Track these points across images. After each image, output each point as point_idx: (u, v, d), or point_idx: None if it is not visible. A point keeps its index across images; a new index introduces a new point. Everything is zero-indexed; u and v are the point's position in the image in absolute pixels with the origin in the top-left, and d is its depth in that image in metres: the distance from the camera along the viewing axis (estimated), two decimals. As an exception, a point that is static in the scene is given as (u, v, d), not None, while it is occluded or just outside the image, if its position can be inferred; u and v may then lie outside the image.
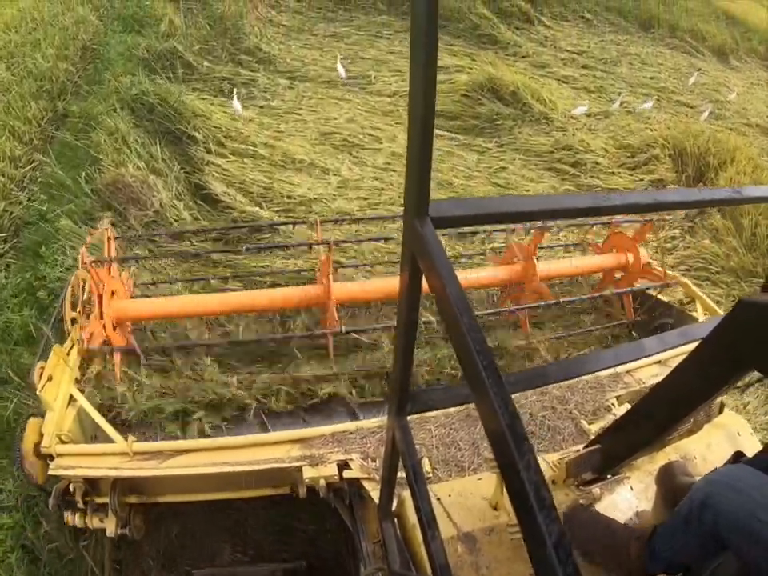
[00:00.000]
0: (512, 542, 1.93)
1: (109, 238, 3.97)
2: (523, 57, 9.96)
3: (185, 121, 6.33)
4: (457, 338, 0.97)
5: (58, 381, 3.09)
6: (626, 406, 2.99)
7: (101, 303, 3.51)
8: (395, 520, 2.09)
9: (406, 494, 2.01)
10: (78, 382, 3.31)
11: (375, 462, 2.65)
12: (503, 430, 0.81)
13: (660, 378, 2.54)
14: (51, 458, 2.78)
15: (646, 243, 4.78)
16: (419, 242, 1.06)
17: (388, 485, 1.90)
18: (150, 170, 5.83)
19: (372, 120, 7.15)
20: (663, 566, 1.74)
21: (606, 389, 3.14)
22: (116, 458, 2.79)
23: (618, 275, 4.68)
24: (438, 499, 2.02)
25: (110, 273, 3.78)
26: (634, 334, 4.52)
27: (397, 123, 7.24)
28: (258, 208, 5.49)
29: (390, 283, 4.05)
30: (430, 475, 2.61)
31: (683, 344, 2.21)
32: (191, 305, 3.92)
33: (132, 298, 4.12)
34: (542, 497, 0.74)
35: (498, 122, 7.61)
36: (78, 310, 3.51)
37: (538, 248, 4.36)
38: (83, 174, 5.81)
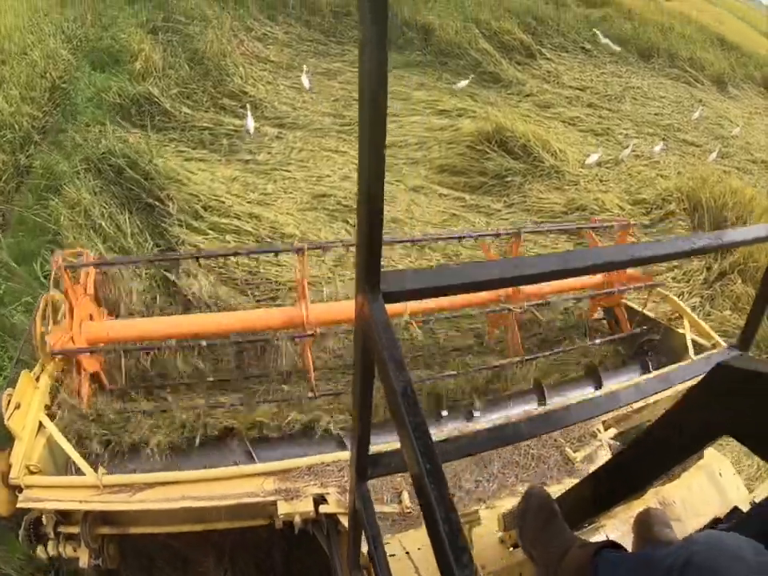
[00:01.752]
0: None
1: (62, 269, 3.52)
2: (527, 96, 9.46)
3: (157, 188, 5.56)
4: (399, 426, 0.96)
5: (26, 408, 2.97)
6: (612, 431, 3.02)
7: (72, 315, 3.41)
8: (363, 572, 2.05)
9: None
10: (48, 408, 3.17)
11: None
12: (443, 541, 0.80)
13: (648, 402, 2.89)
14: (20, 489, 2.66)
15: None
16: (367, 321, 1.06)
17: (354, 544, 1.85)
18: (117, 248, 5.06)
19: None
20: None
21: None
22: (86, 491, 2.66)
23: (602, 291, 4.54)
24: (407, 553, 1.97)
25: (85, 292, 3.66)
26: (620, 349, 4.44)
27: (396, 180, 6.53)
28: (243, 297, 4.77)
29: None
30: (410, 510, 2.50)
31: (661, 390, 2.06)
32: (164, 326, 3.78)
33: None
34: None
35: (507, 179, 6.97)
36: (48, 331, 3.27)
37: None
38: (39, 259, 5.04)
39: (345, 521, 2.47)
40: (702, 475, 2.60)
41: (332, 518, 2.60)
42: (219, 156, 6.46)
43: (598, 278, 4.53)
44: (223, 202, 5.52)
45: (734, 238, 1.44)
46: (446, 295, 1.23)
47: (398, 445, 2.58)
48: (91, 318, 3.70)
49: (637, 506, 2.07)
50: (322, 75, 8.64)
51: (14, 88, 8.18)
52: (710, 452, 2.81)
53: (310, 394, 3.67)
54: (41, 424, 3.02)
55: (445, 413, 3.73)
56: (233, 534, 3.38)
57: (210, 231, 5.26)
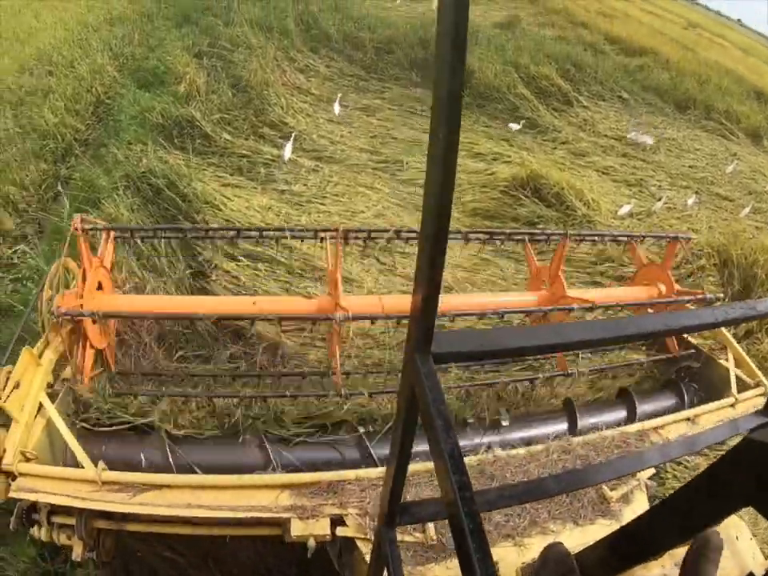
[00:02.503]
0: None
1: (79, 232, 3.49)
2: (563, 143, 9.43)
3: (194, 210, 5.62)
4: (444, 487, 0.97)
5: (26, 388, 2.83)
6: (650, 471, 2.91)
7: (84, 281, 3.25)
8: None
9: None
10: (50, 386, 3.06)
11: (374, 521, 2.40)
12: None
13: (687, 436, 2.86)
14: (13, 476, 2.56)
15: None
16: (418, 377, 1.07)
17: None
18: (150, 267, 5.10)
19: (402, 216, 6.46)
20: None
21: (633, 448, 3.02)
22: (84, 486, 2.55)
23: (650, 310, 4.40)
24: None
25: (101, 263, 3.52)
26: (655, 372, 4.37)
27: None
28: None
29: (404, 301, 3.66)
30: (434, 542, 2.40)
31: (685, 454, 2.13)
32: (182, 305, 3.62)
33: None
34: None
35: (540, 226, 6.93)
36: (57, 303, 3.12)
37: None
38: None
39: (363, 546, 2.39)
40: (718, 538, 2.55)
41: (349, 540, 2.49)
42: (255, 184, 6.52)
43: (651, 293, 4.42)
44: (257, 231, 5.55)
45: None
46: (495, 358, 1.21)
47: (426, 496, 2.59)
48: (101, 286, 3.53)
49: (653, 567, 2.06)
50: (361, 111, 8.74)
51: (60, 99, 8.41)
52: None
53: (333, 392, 3.47)
54: (41, 405, 2.89)
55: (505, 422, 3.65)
56: (241, 553, 3.39)
57: (243, 258, 5.29)
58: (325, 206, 6.38)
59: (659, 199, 8.27)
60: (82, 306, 3.24)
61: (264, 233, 4.03)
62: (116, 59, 10.16)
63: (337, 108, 8.11)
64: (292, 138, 6.95)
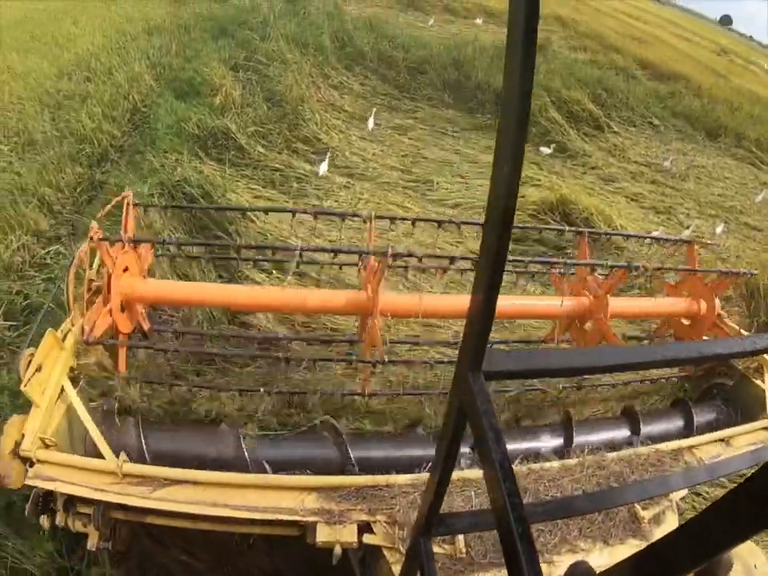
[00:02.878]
0: None
1: (128, 204, 3.59)
2: (592, 168, 9.42)
3: (227, 221, 5.68)
4: (494, 496, 1.01)
5: (48, 372, 2.74)
6: (682, 492, 2.88)
7: (109, 286, 3.14)
8: None
9: None
10: (72, 370, 2.96)
11: (403, 530, 2.34)
12: None
13: (722, 458, 2.93)
14: (31, 463, 2.49)
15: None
16: (469, 395, 1.09)
17: None
18: (181, 274, 5.16)
19: (432, 237, 6.46)
20: None
21: (667, 467, 2.98)
22: (103, 477, 2.48)
23: (685, 321, 4.41)
24: None
25: (123, 247, 3.36)
26: (686, 386, 4.29)
27: (457, 242, 6.54)
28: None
29: (445, 301, 3.86)
30: (463, 555, 2.33)
31: (711, 479, 2.03)
32: (214, 294, 3.57)
33: (150, 270, 3.80)
34: None
35: (567, 251, 6.90)
36: (83, 288, 3.17)
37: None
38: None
39: (389, 555, 2.33)
40: (737, 568, 2.39)
41: (374, 548, 2.41)
42: (288, 198, 6.58)
43: (684, 308, 4.34)
44: (288, 244, 5.59)
45: None
46: (543, 377, 1.20)
47: (462, 508, 2.56)
48: (125, 270, 3.40)
49: None
50: (393, 129, 8.82)
51: (98, 105, 8.58)
52: (745, 545, 2.71)
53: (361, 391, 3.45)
54: (62, 389, 2.81)
55: None
56: (258, 559, 3.37)
57: (274, 271, 5.33)
58: (355, 222, 6.41)
59: (687, 227, 8.21)
60: (112, 319, 3.23)
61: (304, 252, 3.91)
62: (153, 68, 10.36)
63: (371, 123, 8.25)
64: (328, 155, 7.06)
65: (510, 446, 3.34)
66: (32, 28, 13.45)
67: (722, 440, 3.28)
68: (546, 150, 9.03)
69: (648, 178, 9.85)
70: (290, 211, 4.33)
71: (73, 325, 3.11)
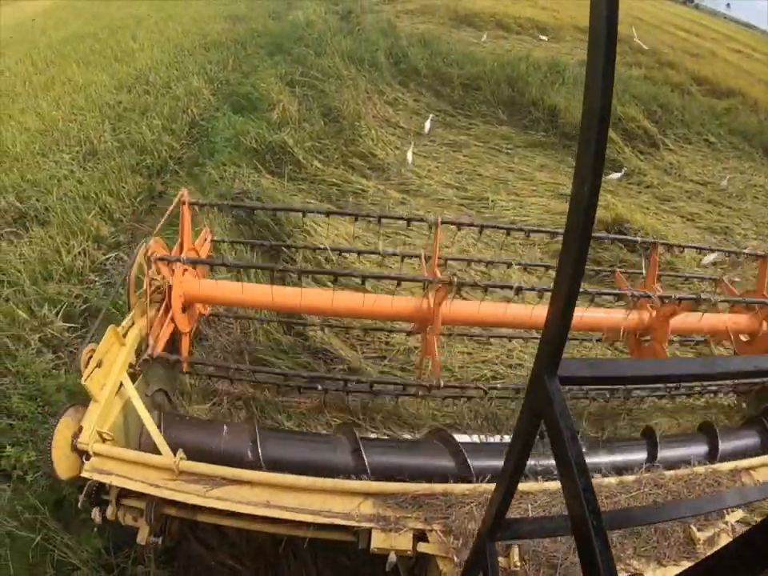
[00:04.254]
0: None
1: (184, 203, 3.67)
2: (647, 187, 9.24)
3: (285, 234, 5.76)
4: (571, 495, 1.03)
5: (108, 367, 2.80)
6: (739, 514, 2.82)
7: (170, 295, 3.25)
8: None
9: None
10: (131, 366, 3.04)
11: (458, 540, 2.32)
12: None
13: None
14: (87, 456, 2.53)
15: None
16: (545, 398, 1.12)
17: None
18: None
19: (485, 254, 6.44)
20: None
21: (723, 488, 2.90)
22: (159, 473, 2.51)
23: (743, 337, 4.39)
24: None
25: (181, 250, 3.54)
26: (743, 405, 4.39)
27: (521, 251, 6.50)
28: (353, 352, 4.86)
29: (504, 310, 3.77)
30: (517, 568, 2.28)
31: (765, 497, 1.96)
32: (271, 295, 3.53)
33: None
34: None
35: (622, 272, 6.79)
36: (144, 289, 3.24)
37: None
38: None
39: (443, 566, 2.30)
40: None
41: (427, 557, 2.39)
42: (344, 213, 6.64)
43: (745, 325, 4.31)
44: (345, 258, 5.63)
45: None
46: (619, 384, 1.29)
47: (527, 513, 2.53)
48: (185, 271, 3.52)
49: None
50: (447, 146, 8.81)
51: (157, 118, 8.84)
52: None
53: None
54: (121, 385, 2.86)
55: None
56: (301, 571, 3.35)
57: (330, 284, 5.36)
58: (410, 238, 6.42)
59: (744, 248, 8.00)
60: (173, 320, 3.32)
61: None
62: (211, 83, 10.61)
63: (427, 125, 8.58)
64: (412, 145, 7.51)
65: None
66: (92, 42, 13.95)
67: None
68: (615, 176, 8.89)
69: (704, 198, 9.60)
70: (353, 215, 4.49)
71: (133, 322, 3.18)
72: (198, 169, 7.55)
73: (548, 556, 2.35)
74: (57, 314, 5.32)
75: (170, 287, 3.28)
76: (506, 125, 9.66)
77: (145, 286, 3.25)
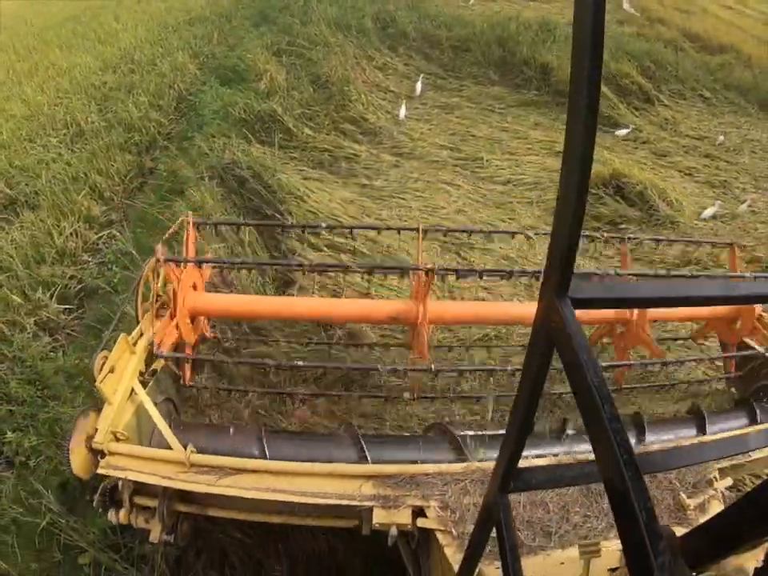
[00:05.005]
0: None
1: (188, 223, 3.80)
2: (644, 143, 9.13)
3: (278, 201, 5.68)
4: (595, 427, 0.95)
5: (120, 372, 2.95)
6: (728, 481, 2.88)
7: (176, 302, 3.39)
8: None
9: (486, 569, 2.01)
10: (141, 374, 3.19)
11: (455, 513, 2.44)
12: (639, 525, 0.80)
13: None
14: (102, 454, 2.65)
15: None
16: (557, 321, 1.04)
17: (472, 558, 1.77)
18: (234, 254, 5.19)
19: (483, 213, 6.37)
20: None
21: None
22: (171, 466, 2.63)
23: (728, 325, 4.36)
24: None
25: (186, 267, 3.60)
26: (732, 390, 4.29)
27: (510, 219, 6.43)
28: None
29: (490, 309, 3.99)
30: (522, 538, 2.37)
31: None
32: (273, 306, 3.81)
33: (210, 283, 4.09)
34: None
35: (621, 226, 6.73)
36: (150, 301, 3.41)
37: None
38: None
39: (443, 538, 2.38)
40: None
41: (427, 533, 2.49)
42: (337, 178, 6.56)
43: (728, 310, 4.26)
44: (340, 222, 5.56)
45: None
46: (636, 307, 1.29)
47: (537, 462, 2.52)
48: (195, 287, 3.67)
49: (750, 560, 1.89)
50: (439, 108, 8.68)
51: (144, 95, 8.70)
52: None
53: (406, 395, 3.59)
54: (132, 390, 3.00)
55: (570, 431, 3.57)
56: (309, 544, 3.40)
57: (326, 248, 5.31)
58: (405, 201, 6.36)
59: (743, 202, 7.93)
60: (178, 330, 3.46)
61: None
62: (196, 57, 10.44)
63: (419, 87, 8.51)
64: (404, 101, 7.63)
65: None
66: (74, 26, 13.78)
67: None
68: (623, 132, 8.87)
69: (701, 152, 9.47)
70: (348, 228, 4.37)
71: (142, 333, 3.31)
72: (188, 142, 7.45)
73: (542, 525, 2.43)
74: (51, 296, 5.30)
75: (175, 293, 3.41)
76: (497, 85, 9.51)
77: (151, 298, 3.42)
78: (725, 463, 2.89)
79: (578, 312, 1.00)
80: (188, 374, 3.61)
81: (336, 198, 6.03)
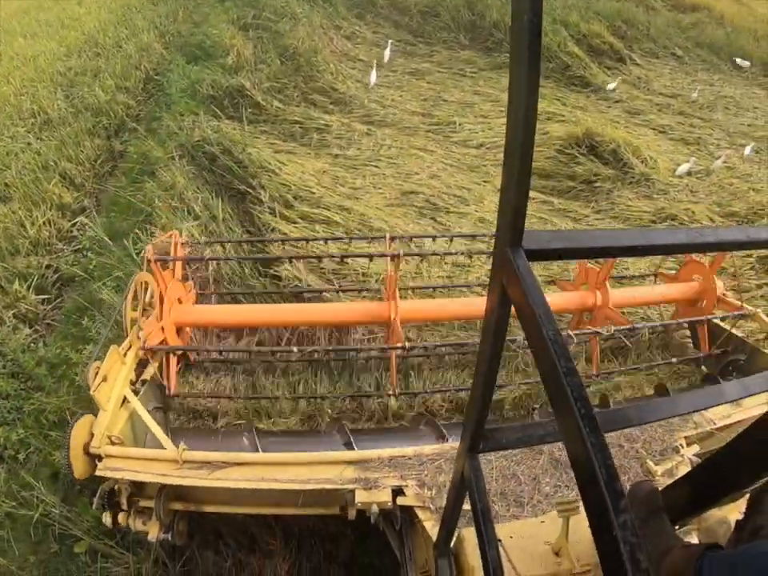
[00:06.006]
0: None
1: (176, 243, 3.91)
2: (616, 101, 9.12)
3: (249, 176, 5.62)
4: (551, 380, 0.93)
5: (112, 381, 3.12)
6: (695, 448, 2.95)
7: (162, 303, 3.58)
8: (451, 558, 2.06)
9: (465, 532, 2.04)
10: (132, 383, 3.35)
11: (431, 490, 2.58)
12: (599, 483, 0.78)
13: (731, 420, 2.98)
14: (99, 458, 2.79)
15: (721, 272, 4.75)
16: (511, 273, 1.04)
17: (449, 523, 1.86)
18: (208, 233, 5.12)
19: (457, 177, 6.33)
20: None
21: (675, 428, 3.03)
22: (165, 465, 2.76)
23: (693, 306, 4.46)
24: (499, 540, 1.81)
25: (173, 276, 3.82)
26: (704, 368, 4.32)
27: (484, 182, 6.41)
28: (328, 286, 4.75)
29: (460, 305, 4.15)
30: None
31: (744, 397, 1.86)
32: (253, 314, 4.00)
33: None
34: (636, 559, 0.72)
35: (596, 184, 6.73)
36: (138, 311, 3.52)
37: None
38: (131, 237, 5.19)
39: (422, 514, 2.50)
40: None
41: (407, 511, 2.61)
42: (309, 149, 6.50)
43: (691, 291, 4.35)
44: (313, 193, 5.54)
45: None
46: (588, 258, 1.25)
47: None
48: (180, 301, 3.85)
49: (733, 511, 1.88)
50: (410, 75, 8.61)
51: (110, 78, 8.52)
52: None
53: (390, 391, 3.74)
54: (125, 398, 3.16)
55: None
56: (302, 520, 3.47)
57: (300, 220, 5.27)
58: (379, 168, 6.31)
59: (718, 158, 7.94)
60: (165, 338, 3.64)
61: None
62: (162, 37, 10.24)
63: (387, 54, 8.44)
64: (375, 65, 7.59)
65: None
66: (36, 13, 13.40)
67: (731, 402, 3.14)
68: (611, 85, 9.00)
69: (675, 110, 9.48)
70: (323, 240, 4.51)
71: (131, 345, 3.43)
72: (156, 123, 7.35)
73: (515, 496, 2.58)
74: (29, 287, 5.22)
75: (162, 297, 3.59)
76: (468, 49, 9.44)
77: (138, 312, 3.51)
78: (690, 431, 2.98)
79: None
80: (173, 384, 3.72)
81: (309, 170, 5.97)
